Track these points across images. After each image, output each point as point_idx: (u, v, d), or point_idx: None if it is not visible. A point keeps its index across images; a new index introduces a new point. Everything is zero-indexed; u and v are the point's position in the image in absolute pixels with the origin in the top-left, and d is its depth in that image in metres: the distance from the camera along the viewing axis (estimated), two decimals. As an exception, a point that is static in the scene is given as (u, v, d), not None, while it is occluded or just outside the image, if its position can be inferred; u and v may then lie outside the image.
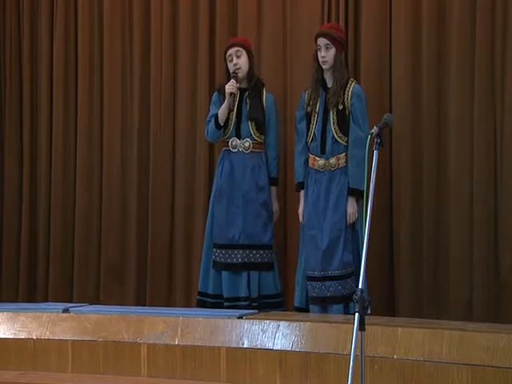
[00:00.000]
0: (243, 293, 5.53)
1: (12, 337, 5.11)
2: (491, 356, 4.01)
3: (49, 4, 6.76)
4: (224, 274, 5.59)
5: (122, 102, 6.57)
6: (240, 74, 5.64)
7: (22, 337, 5.10)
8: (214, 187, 5.74)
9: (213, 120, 5.62)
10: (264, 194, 5.67)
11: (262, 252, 5.61)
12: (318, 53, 5.41)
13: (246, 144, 5.64)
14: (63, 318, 5.11)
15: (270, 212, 5.68)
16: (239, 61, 5.65)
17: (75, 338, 5.00)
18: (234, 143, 5.66)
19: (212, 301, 5.60)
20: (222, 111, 5.60)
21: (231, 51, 5.68)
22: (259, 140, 5.67)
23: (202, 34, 6.31)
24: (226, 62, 5.72)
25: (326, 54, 5.39)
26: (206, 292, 5.65)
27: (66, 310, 5.20)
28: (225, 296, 5.57)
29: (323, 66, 5.42)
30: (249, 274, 5.57)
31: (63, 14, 6.68)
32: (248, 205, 5.60)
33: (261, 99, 5.70)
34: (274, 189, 5.74)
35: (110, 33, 6.57)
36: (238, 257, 5.56)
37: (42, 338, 5.06)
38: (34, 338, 5.08)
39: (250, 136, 5.65)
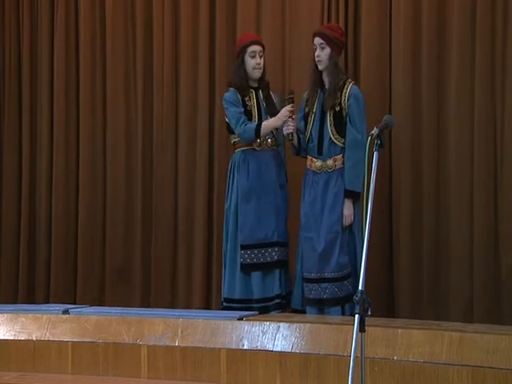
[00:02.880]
0: (277, 291, 5.49)
1: (12, 338, 5.11)
2: (491, 357, 4.01)
3: (49, 4, 6.75)
4: (255, 275, 5.51)
5: (126, 104, 6.58)
6: (258, 74, 5.60)
7: (22, 338, 5.10)
8: (239, 188, 5.60)
9: (254, 130, 5.49)
10: (284, 191, 5.65)
11: (283, 249, 5.58)
12: (314, 52, 5.40)
13: (269, 141, 5.60)
14: (63, 320, 5.11)
15: (288, 210, 5.67)
16: (262, 61, 5.62)
17: (75, 340, 5.00)
18: (258, 141, 5.62)
19: (238, 306, 5.47)
20: (269, 127, 5.50)
21: (256, 48, 5.60)
22: (276, 137, 5.65)
23: (202, 34, 6.32)
24: (242, 55, 5.60)
25: (320, 54, 5.37)
26: (231, 298, 5.55)
27: (65, 312, 5.20)
28: (256, 298, 5.49)
29: (318, 66, 5.39)
30: (280, 272, 5.54)
31: (64, 15, 6.69)
32: (276, 202, 5.57)
33: (271, 97, 5.69)
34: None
35: (112, 33, 6.58)
36: (272, 255, 5.51)
37: (42, 339, 5.06)
38: (34, 339, 5.07)
39: (271, 133, 5.61)
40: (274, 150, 5.63)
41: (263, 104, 5.64)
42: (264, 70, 5.66)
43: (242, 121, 5.54)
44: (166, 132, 6.43)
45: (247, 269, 5.52)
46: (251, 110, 5.60)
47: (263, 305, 5.43)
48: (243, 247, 5.53)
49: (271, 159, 5.61)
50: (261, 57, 5.62)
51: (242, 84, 5.60)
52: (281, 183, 5.63)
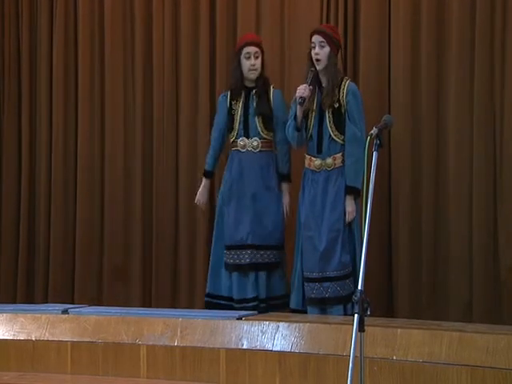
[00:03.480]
0: (250, 293, 5.51)
1: (11, 338, 5.11)
2: (491, 357, 4.01)
3: (48, 1, 6.75)
4: (234, 275, 5.57)
5: (124, 102, 6.57)
6: (253, 76, 5.61)
7: (22, 338, 5.09)
8: (222, 188, 5.69)
9: (206, 164, 5.76)
10: (272, 194, 5.63)
11: (270, 253, 5.57)
12: (312, 50, 5.35)
13: (255, 143, 5.61)
14: (62, 320, 5.10)
15: (279, 212, 5.63)
16: (257, 62, 5.61)
17: (74, 340, 5.00)
18: (242, 143, 5.62)
19: (224, 303, 5.56)
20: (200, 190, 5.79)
21: (250, 50, 5.60)
22: (268, 138, 5.63)
23: (203, 33, 6.32)
24: (238, 57, 5.62)
25: (320, 52, 5.32)
26: (216, 294, 5.63)
27: (65, 311, 5.20)
28: (235, 298, 5.54)
29: (316, 66, 5.34)
30: (257, 275, 5.54)
31: (63, 12, 6.68)
32: (256, 205, 5.56)
33: (267, 96, 5.66)
34: (286, 185, 5.68)
35: (111, 31, 6.56)
36: (245, 257, 5.54)
37: (42, 339, 5.05)
38: (34, 339, 5.07)
39: (258, 134, 5.61)
40: (261, 152, 5.62)
41: (253, 104, 5.64)
42: (263, 69, 5.66)
43: (213, 137, 5.77)
44: (166, 129, 6.42)
45: (228, 268, 5.59)
46: (234, 115, 5.63)
47: (241, 306, 5.46)
48: (226, 247, 5.62)
49: (255, 161, 5.61)
50: (256, 58, 5.61)
51: (237, 86, 5.64)
52: (267, 185, 5.60)
